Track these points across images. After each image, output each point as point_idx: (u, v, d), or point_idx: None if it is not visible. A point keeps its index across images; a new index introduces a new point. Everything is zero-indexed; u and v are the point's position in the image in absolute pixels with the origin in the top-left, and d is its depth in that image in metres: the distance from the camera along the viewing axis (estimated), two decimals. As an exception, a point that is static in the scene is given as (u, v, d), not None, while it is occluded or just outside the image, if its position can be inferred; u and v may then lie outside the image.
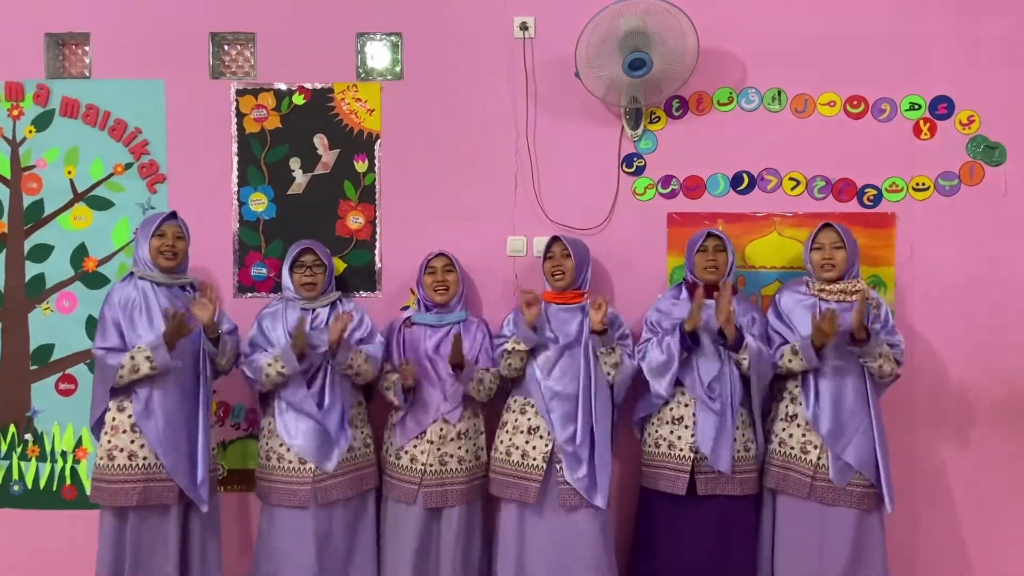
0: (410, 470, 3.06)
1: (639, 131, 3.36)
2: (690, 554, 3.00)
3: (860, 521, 2.94)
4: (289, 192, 3.40)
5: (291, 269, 3.11)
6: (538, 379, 3.06)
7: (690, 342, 2.98)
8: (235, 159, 3.40)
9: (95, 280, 3.40)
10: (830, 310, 2.89)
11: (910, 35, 3.32)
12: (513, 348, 3.05)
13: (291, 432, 2.99)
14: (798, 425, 3.00)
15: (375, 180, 3.40)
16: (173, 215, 3.02)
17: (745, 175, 3.36)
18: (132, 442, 2.87)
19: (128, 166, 3.40)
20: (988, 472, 3.33)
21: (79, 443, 3.41)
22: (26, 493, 3.42)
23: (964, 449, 3.34)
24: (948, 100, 3.32)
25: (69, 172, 3.40)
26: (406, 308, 3.33)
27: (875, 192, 3.33)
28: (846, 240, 3.01)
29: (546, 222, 3.36)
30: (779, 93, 3.34)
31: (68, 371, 3.41)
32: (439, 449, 3.05)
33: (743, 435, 3.03)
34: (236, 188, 3.40)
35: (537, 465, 3.01)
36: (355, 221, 3.40)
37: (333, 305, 3.15)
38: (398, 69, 3.40)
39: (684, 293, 3.13)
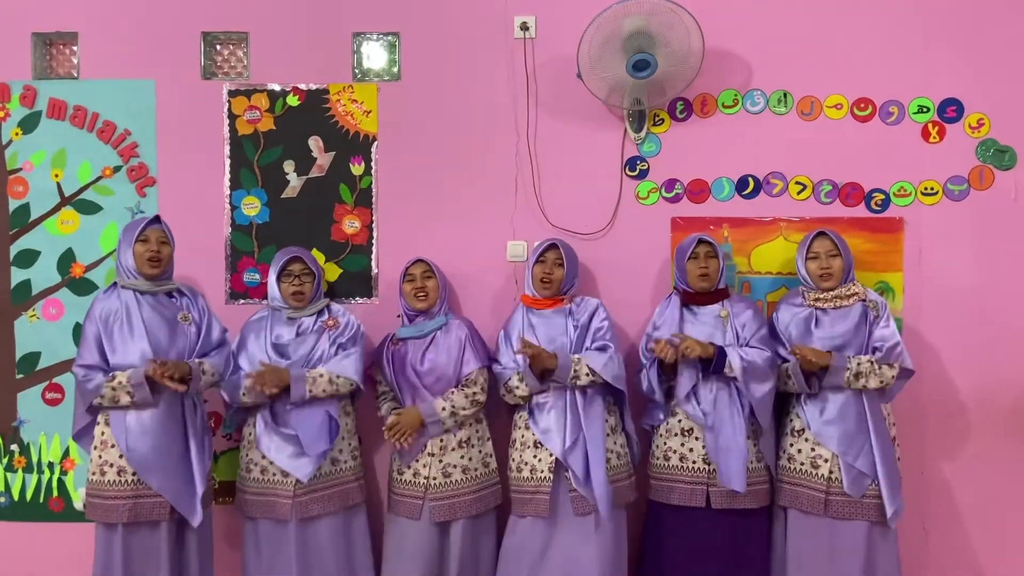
0: (413, 484, 2.99)
1: (642, 134, 3.30)
2: (702, 569, 2.94)
3: (873, 534, 2.88)
4: (283, 196, 3.33)
5: (278, 278, 3.03)
6: (535, 398, 3.02)
7: (669, 372, 2.95)
8: (227, 162, 3.33)
9: (83, 286, 3.33)
10: (806, 351, 2.84)
11: (919, 36, 3.27)
12: (526, 394, 2.98)
13: (273, 443, 2.91)
14: (806, 439, 2.94)
15: (371, 183, 3.33)
16: (156, 219, 2.94)
17: (750, 179, 3.30)
18: (120, 457, 2.79)
19: (117, 169, 3.33)
20: (999, 482, 3.28)
21: (66, 454, 3.33)
22: (12, 505, 3.33)
23: (974, 459, 3.29)
24: (957, 103, 3.27)
25: (56, 175, 3.33)
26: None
27: (883, 196, 3.28)
28: (841, 248, 2.97)
29: (547, 226, 3.31)
30: (785, 95, 3.29)
31: (55, 380, 3.33)
32: (441, 460, 2.98)
33: (754, 446, 2.96)
34: (228, 192, 3.33)
35: (544, 477, 2.95)
36: (351, 225, 3.33)
37: (320, 313, 3.08)
38: (395, 70, 3.34)
39: (673, 302, 3.07)
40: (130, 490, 2.77)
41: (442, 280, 3.11)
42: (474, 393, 3.00)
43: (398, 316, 3.24)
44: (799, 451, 2.94)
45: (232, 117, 3.32)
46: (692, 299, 3.04)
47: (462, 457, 3.00)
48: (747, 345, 2.94)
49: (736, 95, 3.30)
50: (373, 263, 3.34)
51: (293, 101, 3.32)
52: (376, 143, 3.32)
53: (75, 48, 3.33)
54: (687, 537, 2.96)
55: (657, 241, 3.31)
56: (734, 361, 2.87)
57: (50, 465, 3.33)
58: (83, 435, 2.89)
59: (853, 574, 2.86)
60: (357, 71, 3.33)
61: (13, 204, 3.32)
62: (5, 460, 3.33)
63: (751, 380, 2.88)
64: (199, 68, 3.32)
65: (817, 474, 2.89)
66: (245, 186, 3.33)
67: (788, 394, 3.01)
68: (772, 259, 3.28)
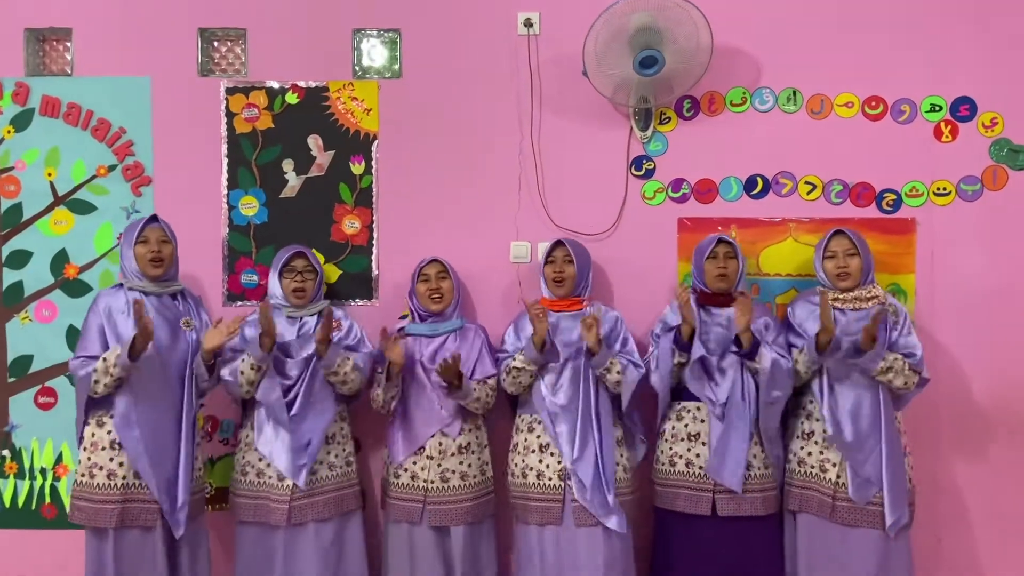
0: (411, 488, 2.94)
1: (649, 132, 3.25)
2: (711, 578, 2.88)
3: (885, 542, 2.82)
4: (281, 195, 3.28)
5: (280, 274, 2.98)
6: (543, 396, 2.95)
7: (685, 342, 2.87)
8: (225, 161, 3.28)
9: (76, 288, 3.26)
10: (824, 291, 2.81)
11: (931, 33, 3.22)
12: (523, 367, 2.91)
13: (271, 446, 2.86)
14: (815, 443, 2.89)
15: (372, 183, 3.28)
16: (154, 218, 2.89)
17: (759, 179, 3.25)
18: (111, 460, 2.74)
19: (112, 168, 3.27)
20: (1013, 488, 3.22)
21: (59, 459, 3.27)
22: (3, 512, 3.26)
23: (988, 465, 3.23)
24: (970, 101, 3.22)
25: (49, 174, 3.27)
26: (404, 317, 3.20)
27: (894, 197, 3.23)
28: (860, 246, 2.91)
29: (551, 227, 3.25)
30: (794, 93, 3.24)
31: (47, 384, 3.27)
32: (439, 465, 2.93)
33: (762, 451, 2.91)
34: (226, 191, 3.28)
35: (554, 484, 2.90)
36: (351, 226, 3.27)
37: (321, 314, 3.02)
38: (396, 67, 3.29)
39: (689, 291, 3.00)
40: (119, 494, 2.71)
41: (457, 281, 3.07)
42: (490, 395, 2.96)
43: (400, 318, 3.19)
44: (808, 454, 2.89)
45: (230, 115, 3.27)
46: (708, 300, 2.98)
47: (461, 463, 2.95)
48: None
49: (745, 93, 3.25)
50: (373, 264, 3.28)
51: (292, 99, 3.27)
52: (377, 142, 3.27)
53: (69, 44, 3.28)
54: (695, 546, 2.91)
55: (663, 242, 3.26)
56: (766, 355, 2.82)
57: (42, 471, 3.27)
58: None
59: (867, 583, 2.80)
60: (357, 68, 3.29)
61: (5, 204, 3.27)
62: (-4, 465, 3.27)
63: (774, 379, 2.82)
64: (196, 65, 3.27)
65: (825, 478, 2.84)
66: (243, 186, 3.28)
67: (799, 395, 2.95)
68: (781, 261, 3.23)
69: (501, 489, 3.05)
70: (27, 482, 3.26)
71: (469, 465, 2.96)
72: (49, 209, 3.27)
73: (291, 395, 2.87)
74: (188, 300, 2.92)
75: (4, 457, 3.26)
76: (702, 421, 2.92)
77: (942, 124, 3.22)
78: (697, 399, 2.92)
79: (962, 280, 3.21)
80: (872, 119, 3.23)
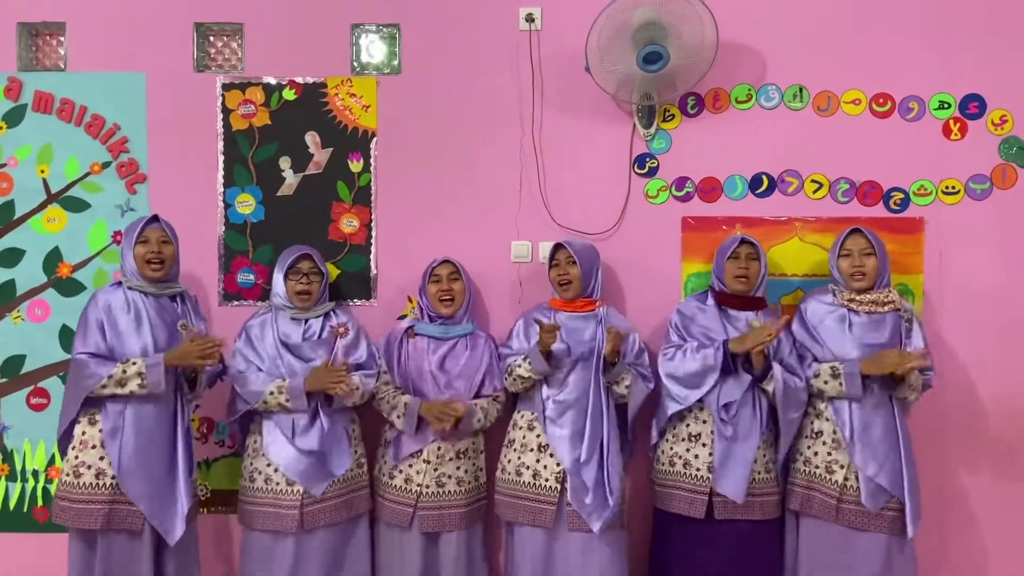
0: (404, 491, 2.89)
1: (652, 130, 3.21)
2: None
3: (891, 547, 2.78)
4: (278, 193, 3.24)
5: (286, 276, 2.94)
6: (546, 394, 2.90)
7: (730, 365, 2.81)
8: (221, 158, 3.23)
9: (69, 287, 3.21)
10: (906, 354, 2.71)
11: (939, 30, 3.18)
12: (528, 376, 2.87)
13: (281, 452, 2.81)
14: (824, 443, 2.84)
15: (370, 181, 3.23)
16: (155, 218, 2.84)
17: (764, 177, 3.21)
18: (101, 459, 2.68)
19: (106, 165, 3.23)
20: (1020, 494, 3.18)
21: (51, 461, 3.22)
22: (-6, 514, 3.22)
23: (994, 468, 3.19)
24: (979, 99, 3.18)
25: (42, 171, 3.22)
26: (403, 317, 3.16)
27: (902, 196, 3.18)
28: (876, 246, 2.85)
29: (552, 226, 3.21)
30: (801, 90, 3.20)
31: (40, 384, 3.22)
32: (436, 469, 2.88)
33: (764, 455, 2.87)
34: (222, 189, 3.24)
35: (551, 487, 2.85)
36: (349, 224, 3.23)
37: (327, 316, 2.98)
38: (395, 63, 3.24)
39: (710, 300, 2.97)
40: (107, 495, 2.66)
41: (468, 283, 3.02)
42: (499, 411, 2.95)
43: (399, 318, 3.16)
44: (815, 454, 2.85)
45: (226, 111, 3.23)
46: (726, 301, 2.93)
47: (458, 468, 2.90)
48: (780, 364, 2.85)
49: (750, 90, 3.20)
50: (372, 264, 3.24)
51: (289, 95, 3.22)
52: (375, 139, 3.23)
53: (62, 39, 3.23)
54: (693, 548, 2.87)
55: (667, 241, 3.22)
56: (777, 379, 2.77)
57: (35, 473, 3.22)
58: (68, 440, 2.75)
59: (870, 589, 2.76)
60: (356, 64, 3.24)
61: (-3, 201, 3.23)
62: (-12, 468, 3.23)
63: (787, 401, 2.79)
64: (192, 60, 3.23)
65: (831, 479, 2.80)
66: (239, 183, 3.23)
67: (810, 396, 2.89)
68: (787, 261, 3.18)
69: (493, 493, 3.00)
70: (18, 484, 3.21)
71: (465, 471, 2.92)
72: (42, 207, 3.22)
73: (310, 414, 2.83)
74: (187, 302, 2.87)
75: (-4, 459, 3.22)
76: (704, 422, 2.87)
77: (951, 122, 3.18)
78: (699, 400, 2.87)
79: (971, 280, 3.17)
80: (880, 116, 3.18)
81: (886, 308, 2.83)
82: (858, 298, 2.85)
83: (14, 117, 3.21)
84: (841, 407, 2.80)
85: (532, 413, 2.93)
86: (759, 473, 2.83)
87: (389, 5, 3.22)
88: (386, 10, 3.22)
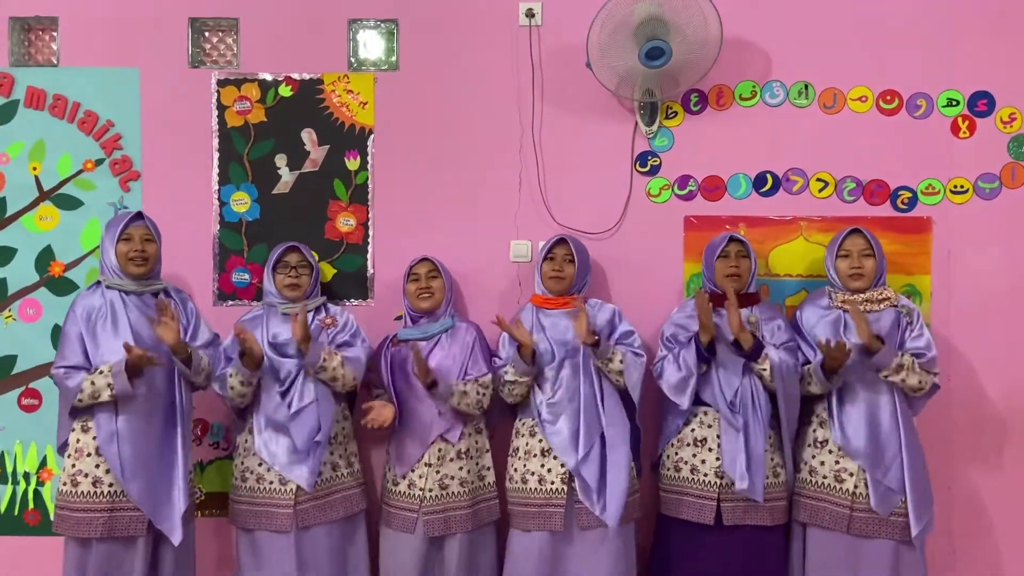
0: (408, 496, 2.86)
1: (654, 127, 3.17)
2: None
3: (899, 553, 2.74)
4: (274, 191, 3.20)
5: (274, 269, 2.92)
6: (539, 399, 2.87)
7: (707, 353, 2.78)
8: (216, 155, 3.20)
9: (62, 286, 3.17)
10: (839, 340, 2.69)
11: (948, 26, 3.13)
12: (515, 379, 2.84)
13: (271, 450, 2.79)
14: (829, 451, 2.79)
15: (367, 179, 3.19)
16: (139, 215, 2.80)
17: (769, 175, 3.17)
18: (97, 467, 2.65)
19: (99, 162, 3.19)
20: (1031, 498, 3.14)
21: (43, 464, 3.17)
22: (-15, 517, 3.18)
23: (1005, 472, 3.15)
24: (988, 96, 3.13)
25: (34, 168, 3.18)
26: (400, 318, 3.11)
27: (909, 195, 3.14)
28: (876, 247, 2.82)
29: (552, 225, 3.17)
30: (806, 87, 3.16)
31: (31, 385, 3.17)
32: (438, 472, 2.84)
33: (772, 459, 2.82)
34: (217, 187, 3.20)
35: (557, 489, 2.81)
36: (346, 223, 3.18)
37: (317, 311, 2.95)
38: (393, 59, 3.21)
39: (707, 297, 2.90)
40: (105, 503, 2.63)
41: (448, 280, 2.99)
42: (483, 393, 2.86)
43: (396, 319, 3.13)
44: (822, 463, 2.79)
45: (221, 108, 3.19)
46: (719, 300, 2.88)
47: (460, 469, 2.86)
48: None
49: (754, 86, 3.16)
50: (369, 263, 3.20)
51: (285, 91, 3.18)
52: (373, 136, 3.19)
53: (55, 34, 3.20)
54: (698, 556, 2.83)
55: (669, 241, 3.18)
56: (771, 355, 2.74)
57: (26, 475, 3.18)
58: (66, 448, 2.72)
59: (878, 597, 2.72)
60: (353, 60, 3.20)
61: (-11, 199, 3.19)
62: (-21, 469, 3.18)
63: (781, 379, 2.74)
64: (186, 56, 3.19)
65: (842, 489, 2.75)
66: (234, 181, 3.19)
67: (811, 403, 2.87)
68: (792, 261, 3.14)
69: (503, 494, 2.95)
70: (9, 487, 3.17)
71: (468, 471, 2.88)
72: (34, 204, 3.18)
73: (289, 396, 2.79)
74: (172, 298, 2.83)
75: (-14, 461, 3.18)
76: (709, 426, 2.83)
77: (959, 119, 3.13)
78: (705, 403, 2.84)
79: (979, 281, 3.13)
80: (887, 114, 3.14)
81: (882, 306, 2.80)
82: (851, 298, 2.81)
83: (6, 113, 3.17)
84: (834, 408, 2.76)
85: (532, 419, 2.89)
86: (767, 477, 2.78)
87: (387, 0, 3.18)
88: (384, 5, 3.18)
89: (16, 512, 3.17)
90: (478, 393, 2.85)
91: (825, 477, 2.78)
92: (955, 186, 3.13)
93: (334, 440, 2.86)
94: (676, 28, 2.90)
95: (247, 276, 3.19)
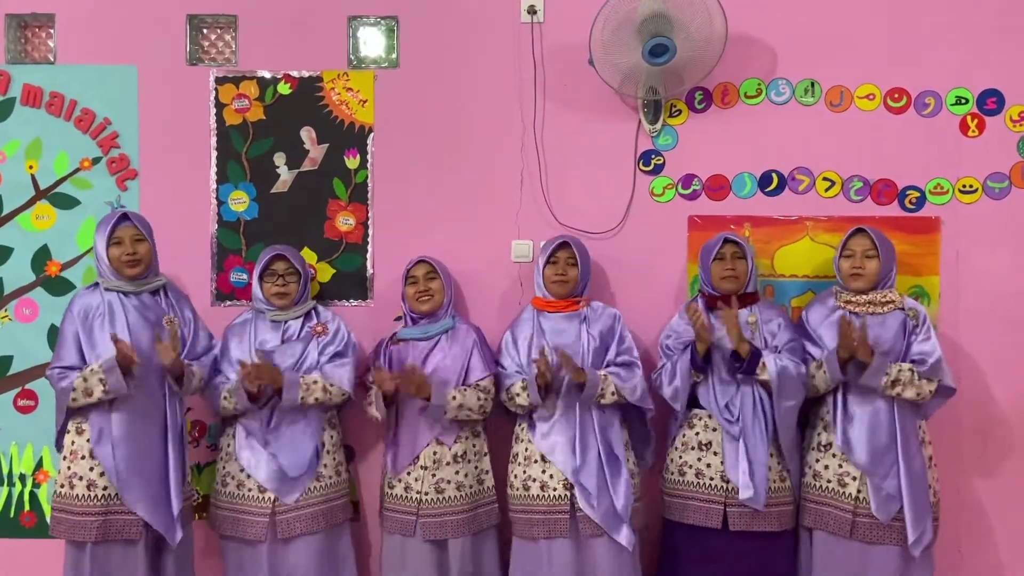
0: (405, 499, 2.83)
1: (658, 125, 3.13)
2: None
3: (906, 559, 2.70)
4: (273, 190, 3.17)
5: (261, 277, 2.89)
6: (537, 413, 2.84)
7: (701, 362, 2.75)
8: (214, 154, 3.17)
9: (58, 286, 3.15)
10: (848, 318, 2.67)
11: (957, 22, 3.09)
12: (527, 404, 2.80)
13: (253, 457, 2.77)
14: (833, 455, 2.76)
15: (367, 178, 3.16)
16: (125, 216, 2.75)
17: (774, 175, 3.13)
18: (91, 469, 2.63)
19: (96, 160, 3.16)
20: (1041, 503, 3.10)
21: (39, 465, 3.15)
22: (-19, 519, 3.16)
23: (1013, 477, 3.11)
24: (998, 94, 3.09)
25: (31, 167, 3.16)
26: (399, 319, 3.08)
27: (918, 194, 3.10)
28: (880, 248, 2.77)
29: (554, 225, 3.14)
30: (812, 85, 3.12)
31: (27, 386, 3.15)
32: (434, 475, 2.81)
33: (777, 463, 2.79)
34: (215, 186, 3.17)
35: (559, 495, 2.77)
36: (345, 222, 3.15)
37: (308, 316, 2.93)
38: (393, 56, 3.18)
39: (700, 307, 2.88)
40: (100, 505, 2.61)
41: (447, 280, 2.96)
42: (484, 399, 2.83)
43: (395, 319, 3.10)
44: (826, 467, 2.76)
45: (219, 106, 3.16)
46: (717, 302, 2.84)
47: (456, 472, 2.82)
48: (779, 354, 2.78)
49: (760, 84, 3.13)
50: (368, 263, 3.16)
51: (284, 89, 3.15)
52: (372, 135, 3.16)
53: (52, 31, 3.18)
54: (705, 560, 2.79)
55: (673, 241, 3.14)
56: (769, 365, 2.70)
57: (22, 477, 3.15)
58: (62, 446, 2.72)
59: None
60: (353, 57, 3.17)
61: (-16, 197, 3.17)
62: (-26, 471, 3.16)
63: (783, 389, 2.70)
64: (184, 53, 3.16)
65: (844, 493, 2.72)
66: (233, 180, 3.17)
67: (816, 405, 2.83)
68: (797, 261, 3.10)
69: (504, 499, 2.92)
70: (5, 489, 3.14)
71: (465, 475, 2.84)
72: (30, 203, 3.16)
73: (271, 415, 2.78)
74: (170, 296, 2.80)
75: (-18, 462, 3.16)
76: (714, 430, 2.80)
77: (968, 118, 3.10)
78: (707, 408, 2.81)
79: (988, 282, 3.09)
80: (894, 112, 3.11)
81: (885, 308, 2.76)
82: (855, 299, 2.78)
83: (2, 111, 3.15)
84: (838, 410, 2.73)
85: (527, 424, 2.86)
86: (773, 482, 2.75)
87: (388, -4, 3.16)
88: (384, 2, 3.15)
89: (12, 514, 3.14)
90: (479, 399, 2.82)
91: (829, 481, 2.75)
92: (964, 186, 3.09)
93: (320, 449, 2.83)
94: (680, 25, 2.86)
95: (245, 276, 3.16)
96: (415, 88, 3.16)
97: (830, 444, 2.76)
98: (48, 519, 3.03)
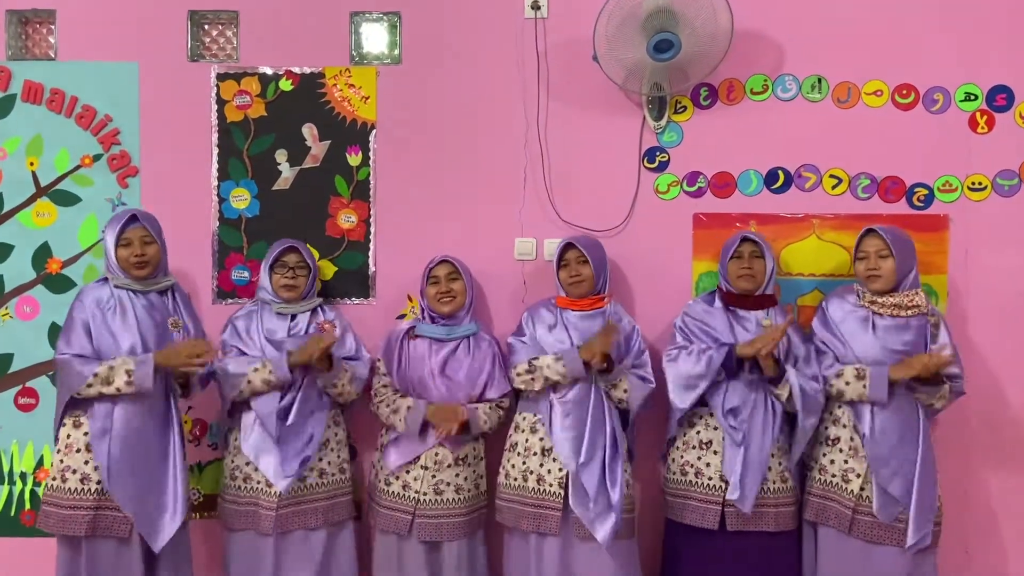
0: (402, 498, 2.80)
1: (663, 122, 3.10)
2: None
3: (911, 559, 2.66)
4: (274, 187, 3.15)
5: (271, 268, 2.88)
6: (553, 398, 2.80)
7: (734, 367, 2.71)
8: (215, 151, 3.15)
9: (59, 283, 3.13)
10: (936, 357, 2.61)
11: (965, 17, 3.05)
12: (559, 379, 2.74)
13: (260, 450, 2.75)
14: (840, 450, 2.73)
15: (369, 175, 3.14)
16: (135, 218, 2.73)
17: (781, 172, 3.10)
18: (86, 463, 2.60)
19: (97, 157, 3.14)
20: (1050, 505, 3.07)
21: (40, 464, 3.13)
22: (-19, 518, 3.14)
23: (1022, 479, 3.07)
24: (1007, 90, 3.05)
25: (31, 164, 3.14)
26: (402, 317, 3.06)
27: (926, 192, 3.07)
28: (893, 247, 2.72)
29: (558, 223, 3.11)
30: (819, 81, 3.09)
31: (28, 384, 3.13)
32: (434, 476, 2.79)
33: (779, 463, 2.76)
34: (216, 183, 3.15)
35: (554, 492, 2.74)
36: (347, 220, 3.13)
37: (314, 312, 2.91)
38: (396, 52, 3.15)
39: (718, 301, 2.87)
40: (92, 500, 2.58)
41: (469, 281, 2.94)
42: (502, 417, 2.85)
43: (398, 317, 3.09)
44: (831, 462, 2.74)
45: (220, 103, 3.14)
46: (734, 301, 2.82)
47: (457, 475, 2.81)
48: (793, 366, 2.74)
49: (766, 80, 3.09)
50: (370, 261, 3.14)
51: (286, 86, 3.13)
52: (375, 131, 3.13)
53: (53, 27, 3.16)
54: (705, 561, 2.77)
55: (678, 239, 3.11)
56: (793, 385, 2.66)
57: (22, 475, 3.14)
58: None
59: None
60: (355, 54, 3.15)
61: (-15, 195, 3.15)
62: (-25, 470, 3.15)
63: (806, 407, 2.68)
64: (185, 50, 3.14)
65: (847, 489, 2.69)
66: (234, 177, 3.15)
67: (826, 400, 2.79)
68: (804, 259, 3.07)
69: (494, 499, 2.90)
70: (6, 487, 3.13)
71: (465, 478, 2.82)
72: (31, 200, 3.14)
73: (285, 401, 2.75)
74: (176, 297, 2.78)
75: (-17, 460, 3.14)
76: (715, 428, 2.77)
77: (977, 114, 3.06)
78: (709, 404, 2.78)
79: (997, 281, 3.05)
80: (902, 109, 3.07)
81: (910, 312, 2.71)
82: (880, 300, 2.74)
83: (3, 108, 3.13)
84: (863, 412, 2.68)
85: (535, 415, 2.82)
86: (774, 482, 2.73)
87: (390, -8, 3.14)
88: (387, -3, 3.14)
89: (12, 513, 3.13)
90: (499, 417, 2.85)
91: (833, 476, 2.72)
92: (973, 183, 3.06)
93: (325, 446, 2.82)
94: (685, 20, 2.83)
95: (247, 274, 3.14)
96: (417, 84, 3.14)
97: (838, 438, 2.73)
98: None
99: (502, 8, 3.11)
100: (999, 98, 3.04)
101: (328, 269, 3.13)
